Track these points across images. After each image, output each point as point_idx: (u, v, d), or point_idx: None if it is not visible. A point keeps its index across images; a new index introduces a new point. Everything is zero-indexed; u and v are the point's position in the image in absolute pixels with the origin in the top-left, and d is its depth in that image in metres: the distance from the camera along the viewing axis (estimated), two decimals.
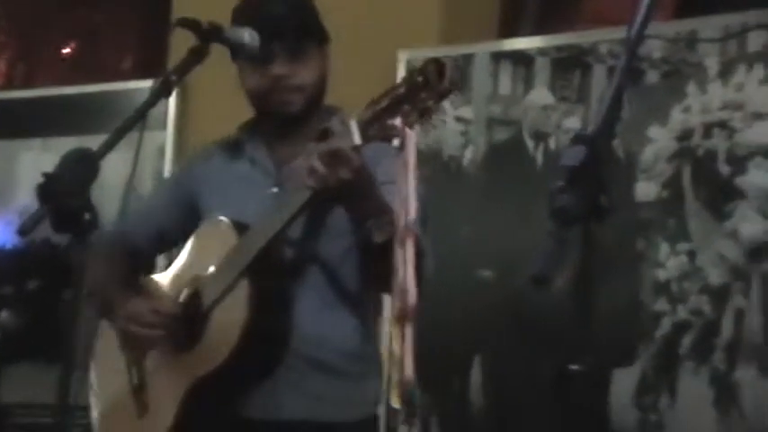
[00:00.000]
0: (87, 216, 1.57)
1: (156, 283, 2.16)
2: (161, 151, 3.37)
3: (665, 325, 2.66)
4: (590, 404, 1.39)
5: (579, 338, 1.39)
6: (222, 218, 2.04)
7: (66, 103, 3.66)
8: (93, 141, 1.69)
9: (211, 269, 2.00)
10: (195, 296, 2.03)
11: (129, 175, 1.79)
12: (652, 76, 2.73)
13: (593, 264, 1.38)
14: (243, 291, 1.93)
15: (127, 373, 2.12)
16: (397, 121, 1.69)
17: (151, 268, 2.25)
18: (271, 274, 1.96)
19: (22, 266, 3.48)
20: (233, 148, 2.16)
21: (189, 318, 2.02)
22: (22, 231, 1.54)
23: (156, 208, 2.20)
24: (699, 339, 2.61)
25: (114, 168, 1.73)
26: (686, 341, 2.63)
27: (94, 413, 2.22)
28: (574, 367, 1.36)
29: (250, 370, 1.96)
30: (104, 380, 2.20)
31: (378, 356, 2.09)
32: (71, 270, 1.61)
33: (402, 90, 1.71)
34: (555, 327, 2.63)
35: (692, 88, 2.69)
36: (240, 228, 1.99)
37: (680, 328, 2.64)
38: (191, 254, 2.10)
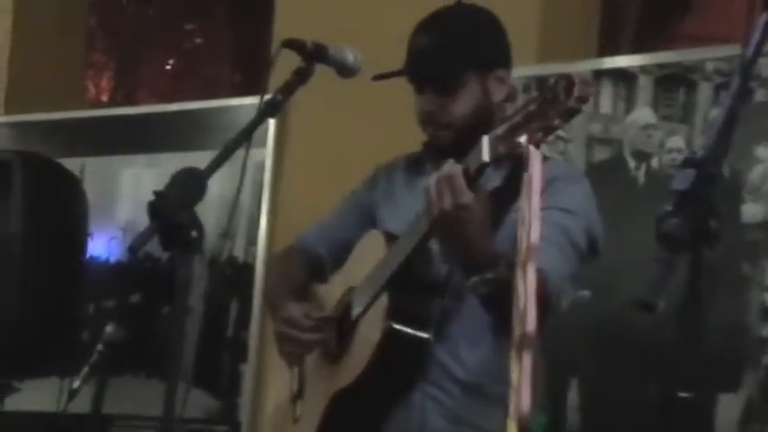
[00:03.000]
0: (194, 233, 1.60)
1: (318, 291, 2.18)
2: (260, 167, 3.41)
3: None
4: (694, 431, 1.35)
5: (684, 363, 1.35)
6: (376, 230, 2.05)
7: (168, 120, 3.72)
8: (195, 157, 1.72)
9: (362, 281, 2.01)
10: (348, 307, 2.04)
11: (236, 192, 1.81)
12: (760, 95, 2.66)
13: (700, 288, 1.34)
14: (382, 304, 1.92)
15: (291, 378, 2.14)
16: (523, 139, 1.64)
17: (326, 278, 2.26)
18: (415, 288, 1.94)
19: (124, 280, 3.55)
20: (416, 163, 2.15)
21: (340, 328, 2.04)
22: (133, 248, 1.57)
23: (341, 221, 2.21)
24: None
25: (214, 183, 1.76)
26: None
27: (268, 411, 2.30)
28: (683, 395, 1.33)
29: (392, 383, 1.94)
30: (277, 381, 2.24)
31: None
32: (172, 285, 1.64)
33: (533, 107, 1.66)
34: (656, 350, 2.57)
35: None
36: (391, 240, 1.98)
37: None
38: (349, 265, 2.12)
